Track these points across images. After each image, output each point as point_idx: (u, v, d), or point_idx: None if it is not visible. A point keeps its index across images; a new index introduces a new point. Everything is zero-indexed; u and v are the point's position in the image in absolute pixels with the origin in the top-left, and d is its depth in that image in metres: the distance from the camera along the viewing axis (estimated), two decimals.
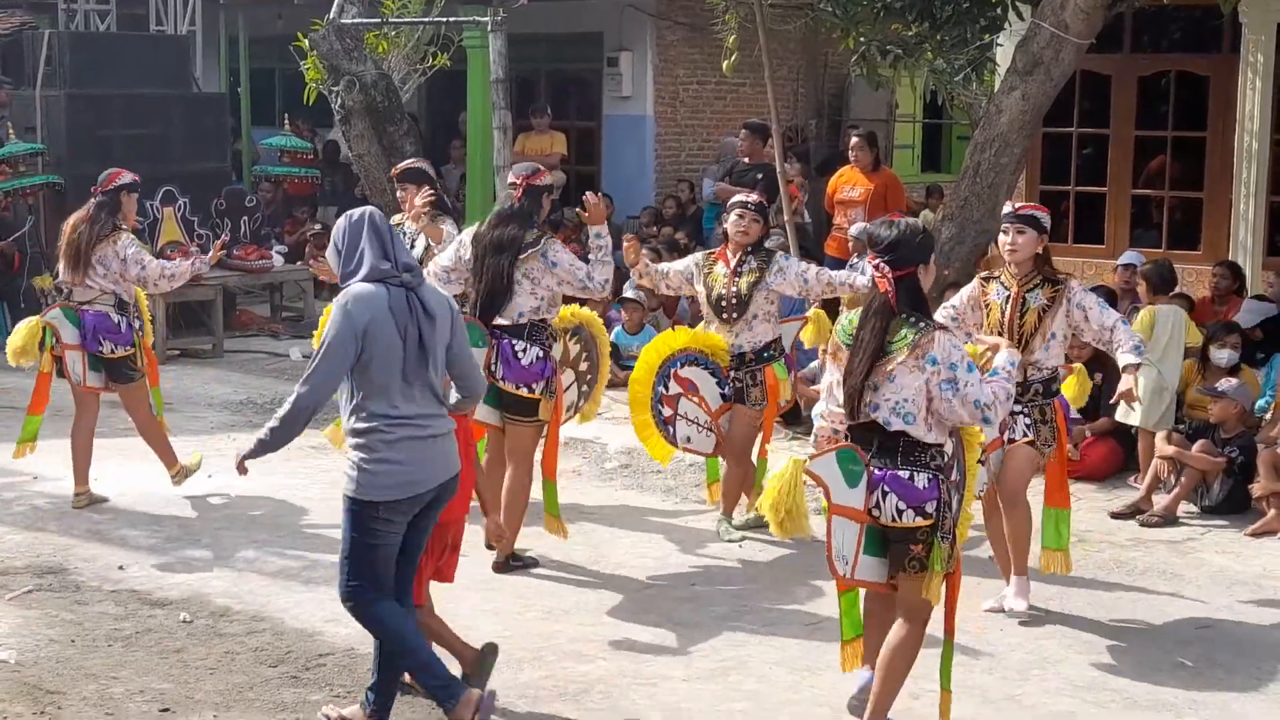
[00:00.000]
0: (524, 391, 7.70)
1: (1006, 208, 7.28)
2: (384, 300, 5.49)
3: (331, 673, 6.43)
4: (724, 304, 8.26)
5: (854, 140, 12.90)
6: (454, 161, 17.57)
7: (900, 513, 5.47)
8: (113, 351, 8.83)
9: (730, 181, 13.71)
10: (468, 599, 7.39)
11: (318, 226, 16.74)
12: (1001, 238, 7.16)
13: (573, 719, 6.06)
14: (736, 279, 8.23)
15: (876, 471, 5.50)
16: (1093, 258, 13.28)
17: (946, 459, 5.60)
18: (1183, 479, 9.02)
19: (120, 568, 7.79)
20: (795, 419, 10.42)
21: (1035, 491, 7.34)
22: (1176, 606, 7.51)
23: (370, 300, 5.48)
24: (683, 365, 8.20)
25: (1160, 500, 9.04)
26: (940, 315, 7.05)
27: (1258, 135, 12.28)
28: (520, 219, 7.69)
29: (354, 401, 5.57)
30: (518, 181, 7.76)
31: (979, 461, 6.74)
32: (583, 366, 8.29)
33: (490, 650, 6.09)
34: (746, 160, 13.71)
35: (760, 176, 13.19)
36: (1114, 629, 7.16)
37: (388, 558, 5.66)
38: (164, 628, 6.94)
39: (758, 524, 8.20)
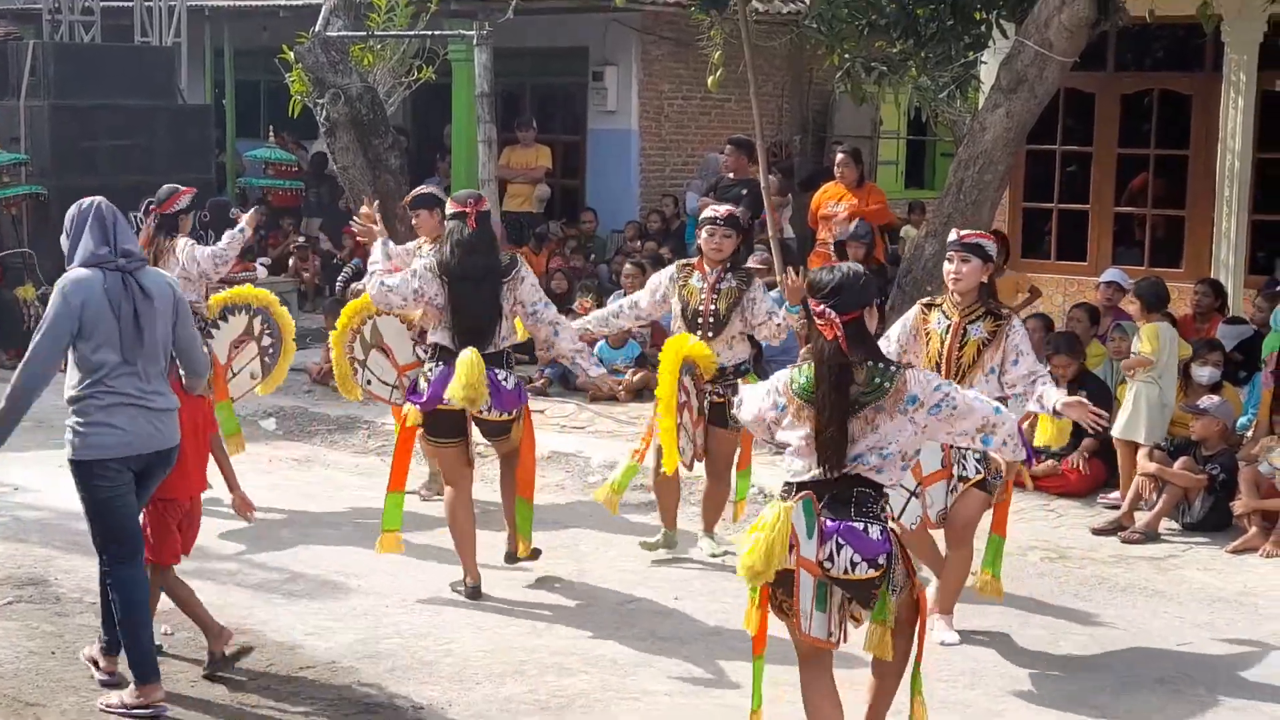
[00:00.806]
0: (506, 416, 7.64)
1: (952, 235, 7.05)
2: (99, 283, 5.94)
3: (312, 686, 6.42)
4: (700, 320, 8.05)
5: (840, 157, 12.93)
6: (439, 175, 17.58)
7: (854, 565, 5.23)
8: None
9: (714, 197, 13.72)
10: (448, 612, 7.39)
11: (301, 239, 16.74)
12: (946, 265, 6.97)
13: None
14: (715, 296, 8.04)
15: (829, 523, 5.24)
16: (1075, 274, 13.33)
17: (886, 505, 5.41)
18: (1164, 496, 9.04)
19: None
20: None
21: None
22: (1158, 623, 7.52)
23: (86, 283, 5.95)
24: (684, 374, 7.98)
25: (1142, 517, 9.06)
26: (881, 344, 6.88)
27: (1239, 154, 12.34)
28: (486, 246, 7.57)
29: (75, 375, 6.03)
30: (469, 210, 7.51)
31: (913, 493, 6.78)
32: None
33: (244, 650, 6.48)
34: (731, 175, 13.73)
35: (745, 192, 13.21)
36: (1095, 646, 7.17)
37: (124, 515, 6.07)
38: None
39: (673, 545, 8.33)
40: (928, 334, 6.98)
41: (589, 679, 6.58)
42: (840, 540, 5.23)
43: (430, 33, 14.12)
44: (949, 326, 6.92)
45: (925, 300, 7.25)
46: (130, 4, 17.02)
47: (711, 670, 6.71)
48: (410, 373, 8.69)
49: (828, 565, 5.26)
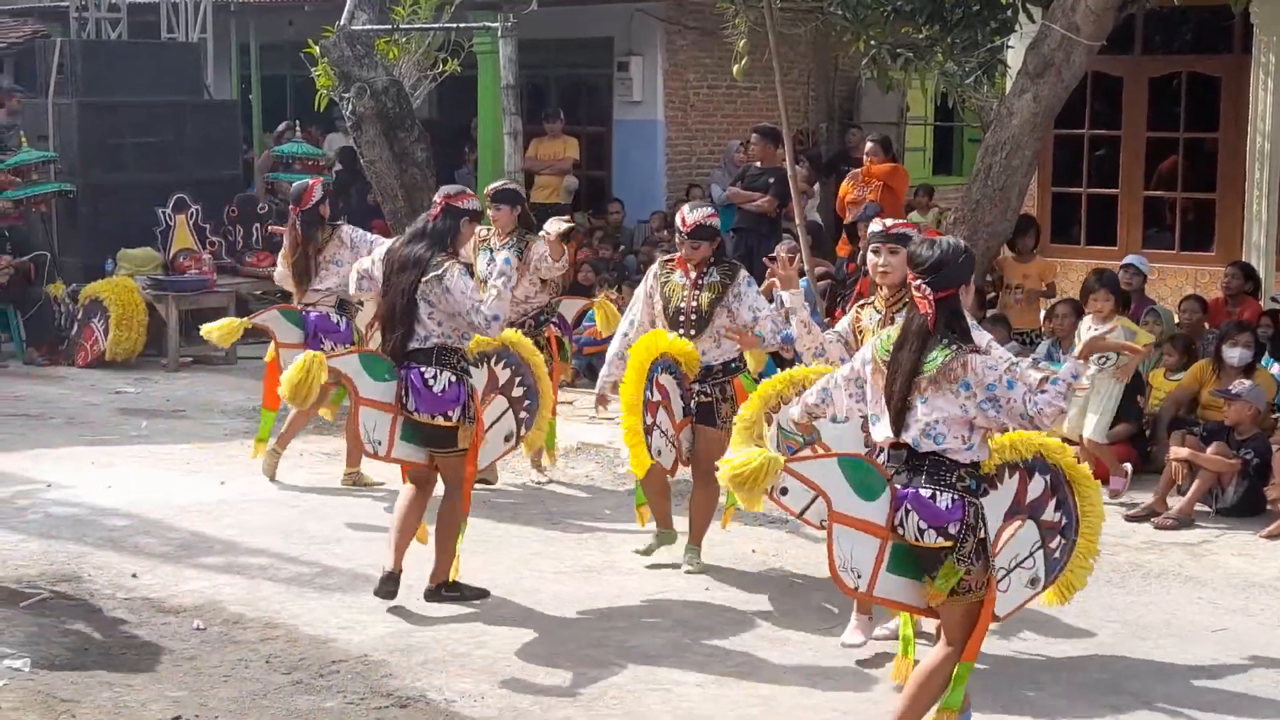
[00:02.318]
0: (440, 420, 7.20)
1: (876, 226, 6.76)
2: None
3: (345, 679, 6.43)
4: (681, 317, 7.78)
5: (869, 146, 12.90)
6: (468, 166, 17.59)
7: (922, 532, 5.37)
8: (334, 349, 8.91)
9: (742, 186, 13.72)
10: (481, 604, 7.39)
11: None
12: (871, 258, 6.70)
13: None
14: (697, 292, 7.77)
15: (900, 489, 5.41)
16: (1105, 259, 13.26)
17: (982, 484, 5.50)
18: (1197, 481, 9.00)
19: (133, 575, 7.79)
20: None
21: None
22: (1192, 609, 7.49)
23: None
24: (661, 371, 7.67)
25: (1175, 503, 9.01)
26: (829, 335, 6.80)
27: (1269, 136, 12.26)
28: (432, 238, 7.24)
29: None
30: (438, 200, 7.34)
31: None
32: (516, 393, 7.69)
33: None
34: (759, 164, 13.70)
35: (772, 180, 13.19)
36: (1130, 632, 7.14)
37: None
38: (177, 635, 6.93)
39: (670, 542, 8.08)
40: (861, 330, 6.72)
41: (620, 670, 6.58)
42: (908, 506, 5.38)
43: (455, 25, 14.10)
44: (879, 320, 6.65)
45: (861, 300, 6.99)
46: (156, 0, 17.07)
47: (743, 661, 6.70)
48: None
49: (900, 530, 5.42)
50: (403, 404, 7.20)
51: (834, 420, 6.07)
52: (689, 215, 7.81)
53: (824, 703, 6.26)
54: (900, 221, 7.04)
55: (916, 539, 5.39)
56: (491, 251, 9.14)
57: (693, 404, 7.81)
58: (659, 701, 6.25)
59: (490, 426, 7.51)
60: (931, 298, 5.37)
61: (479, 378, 7.46)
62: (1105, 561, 8.07)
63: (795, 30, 14.60)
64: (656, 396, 7.62)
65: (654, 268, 8.08)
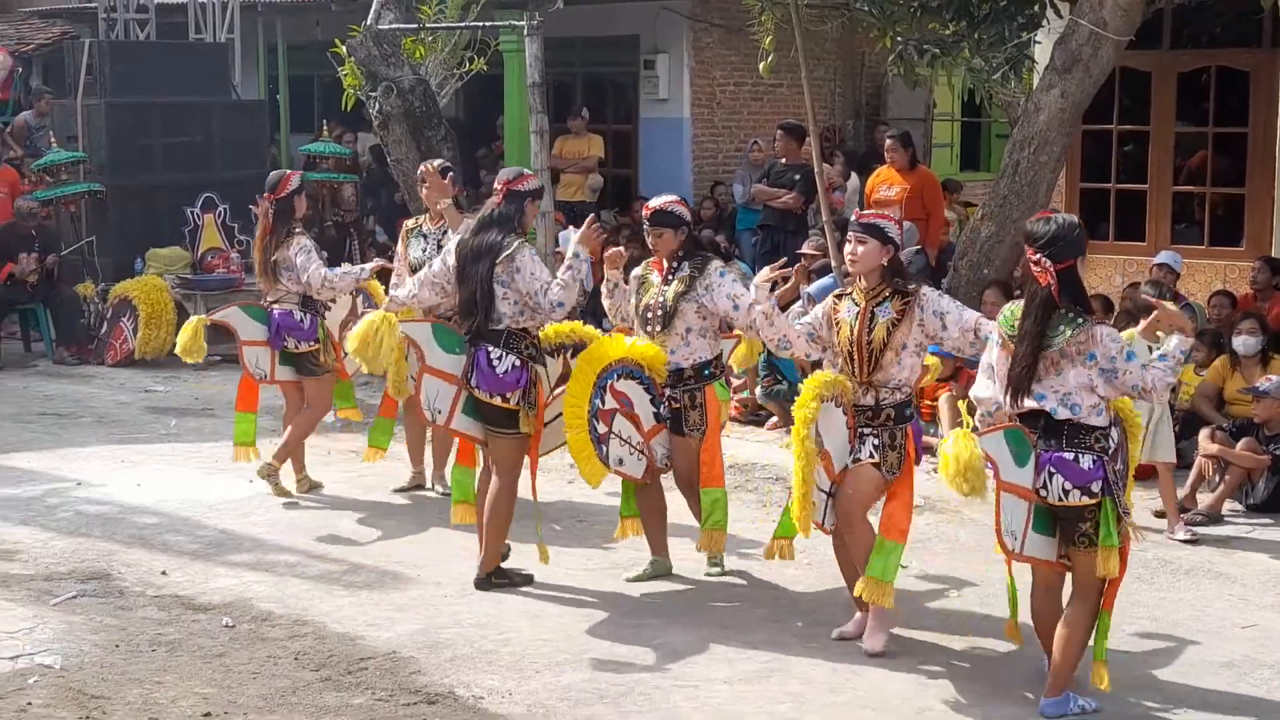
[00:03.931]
0: (498, 401, 7.38)
1: (851, 216, 6.75)
2: None
3: (373, 676, 6.44)
4: (649, 314, 7.50)
5: (889, 142, 12.86)
6: (486, 172, 17.61)
7: (1067, 493, 5.82)
8: (297, 346, 9.14)
9: (768, 183, 13.71)
10: (508, 601, 7.40)
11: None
12: (846, 247, 6.73)
13: None
14: (666, 287, 7.48)
15: (1044, 453, 5.85)
16: (1134, 255, 13.19)
17: (1113, 443, 5.90)
18: (1227, 477, 8.96)
19: (163, 573, 7.83)
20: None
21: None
22: (1222, 605, 7.45)
23: None
24: (619, 378, 7.40)
25: (1205, 499, 8.97)
26: (797, 327, 6.80)
27: None
28: (500, 224, 7.43)
29: None
30: (499, 186, 7.51)
31: (830, 494, 6.75)
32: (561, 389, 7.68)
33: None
34: (784, 161, 13.69)
35: (798, 177, 13.17)
36: (1159, 628, 7.11)
37: None
38: (207, 632, 6.96)
39: (665, 571, 7.79)
40: (838, 323, 6.72)
41: (648, 668, 6.58)
42: (1052, 469, 5.84)
43: (481, 24, 14.13)
44: (857, 313, 6.65)
45: (839, 291, 6.94)
46: (184, 1, 17.13)
47: (772, 659, 6.68)
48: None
49: (1043, 492, 5.88)
50: (467, 379, 7.43)
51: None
52: (651, 202, 7.64)
53: (853, 700, 6.25)
54: (876, 213, 7.03)
55: (1061, 499, 5.85)
56: (425, 238, 9.12)
57: (663, 409, 7.54)
58: (687, 699, 6.25)
59: (556, 417, 7.53)
60: (1053, 269, 5.75)
61: (553, 368, 7.67)
62: (1135, 557, 8.02)
63: (821, 27, 14.56)
64: (611, 404, 7.37)
65: (637, 269, 7.75)
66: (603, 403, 7.35)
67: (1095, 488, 5.83)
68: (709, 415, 7.51)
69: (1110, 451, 5.89)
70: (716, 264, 7.54)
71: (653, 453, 7.58)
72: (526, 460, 7.60)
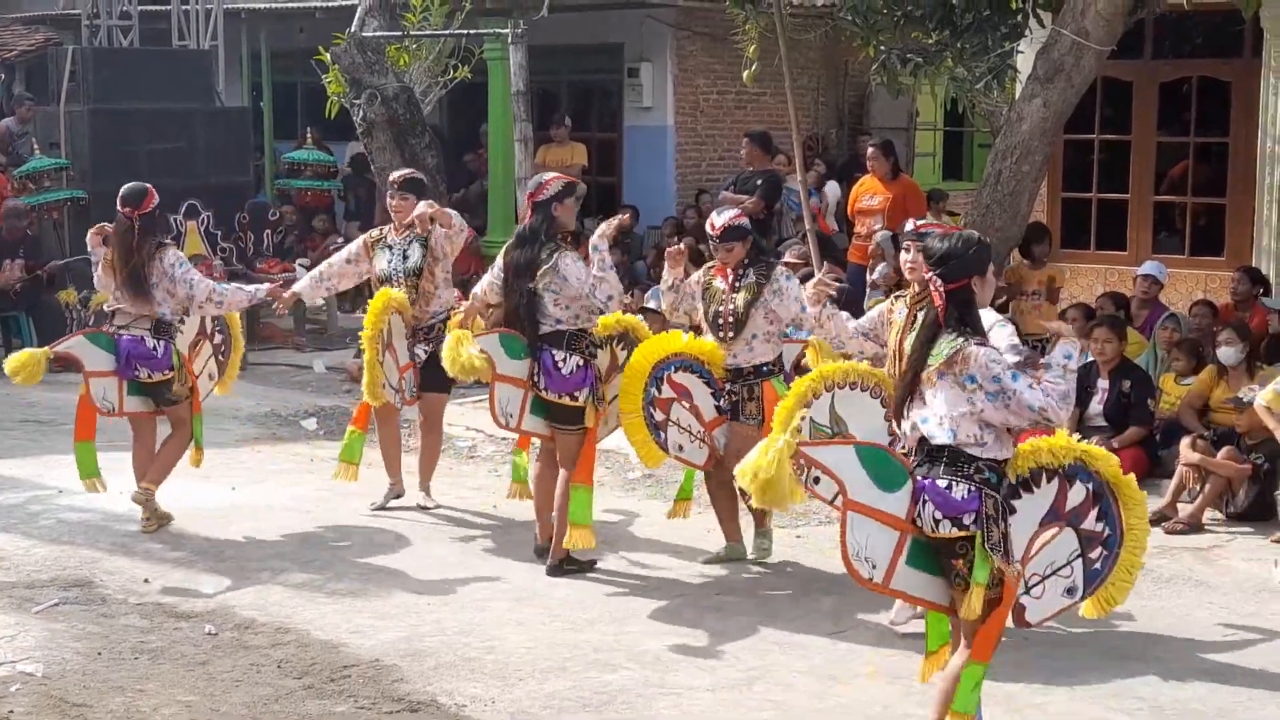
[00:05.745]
0: (567, 400, 7.84)
1: (908, 225, 6.88)
2: None
3: (356, 684, 6.44)
4: (720, 321, 7.82)
5: (870, 150, 12.89)
6: (479, 180, 17.61)
7: (937, 522, 5.40)
8: (150, 377, 8.59)
9: (734, 189, 13.70)
10: (493, 608, 7.41)
11: (340, 239, 16.77)
12: (903, 256, 6.82)
13: None
14: (734, 295, 7.81)
15: (920, 479, 5.46)
16: (1115, 264, 13.25)
17: (1003, 478, 5.46)
18: (1208, 486, 8.99)
19: (146, 581, 7.82)
20: None
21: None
22: (1203, 613, 7.48)
23: None
24: (676, 370, 7.80)
25: (1185, 508, 9.00)
26: (851, 326, 6.80)
27: None
28: (532, 239, 7.89)
29: None
30: (525, 202, 7.94)
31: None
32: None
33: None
34: (750, 168, 13.69)
35: (760, 182, 13.15)
36: (1141, 636, 7.13)
37: None
38: (189, 640, 6.95)
39: (738, 556, 8.15)
40: (890, 324, 6.60)
41: (631, 675, 6.59)
42: (925, 496, 5.43)
43: (465, 32, 14.15)
44: (905, 316, 6.50)
45: (898, 294, 6.87)
46: (168, 8, 17.12)
47: (754, 667, 6.70)
48: (408, 374, 8.74)
49: (918, 521, 5.45)
50: (534, 381, 7.84)
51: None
52: (717, 220, 7.92)
53: (835, 706, 6.26)
54: (932, 222, 7.17)
55: (932, 530, 5.42)
56: (390, 249, 8.96)
57: (723, 402, 7.90)
58: (670, 706, 6.26)
59: (612, 400, 8.06)
60: (942, 289, 5.44)
61: (602, 359, 8.02)
62: None
63: (805, 36, 14.63)
64: (668, 393, 7.78)
65: (697, 274, 8.09)
66: (659, 391, 7.76)
67: (967, 520, 5.36)
68: (765, 408, 7.74)
69: (996, 485, 5.41)
70: (781, 269, 7.94)
71: (714, 442, 7.91)
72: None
